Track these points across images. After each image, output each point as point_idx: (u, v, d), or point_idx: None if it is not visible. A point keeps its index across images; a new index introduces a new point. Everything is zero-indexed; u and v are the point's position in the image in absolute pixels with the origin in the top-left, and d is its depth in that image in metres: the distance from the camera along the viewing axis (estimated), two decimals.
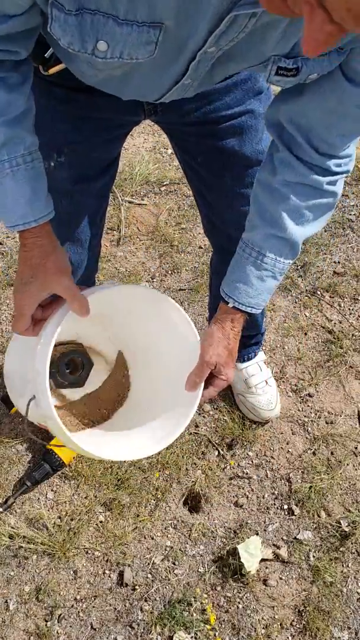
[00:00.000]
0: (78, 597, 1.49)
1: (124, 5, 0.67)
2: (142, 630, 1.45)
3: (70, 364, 1.15)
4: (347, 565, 1.56)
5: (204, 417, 1.79)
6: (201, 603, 1.50)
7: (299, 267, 2.16)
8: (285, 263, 1.02)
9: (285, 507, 1.65)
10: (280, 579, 1.54)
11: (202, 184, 1.31)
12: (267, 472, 1.71)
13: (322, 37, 0.55)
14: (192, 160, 1.26)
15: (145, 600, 1.49)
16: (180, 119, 1.14)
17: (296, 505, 1.65)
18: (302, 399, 1.86)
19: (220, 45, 0.75)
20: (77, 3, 0.67)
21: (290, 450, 1.75)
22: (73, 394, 1.17)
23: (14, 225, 0.91)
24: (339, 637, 1.47)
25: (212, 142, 1.18)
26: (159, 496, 1.64)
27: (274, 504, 1.66)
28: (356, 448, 1.76)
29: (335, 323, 2.03)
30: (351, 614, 1.50)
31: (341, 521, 1.62)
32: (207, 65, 0.81)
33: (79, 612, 1.48)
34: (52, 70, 0.96)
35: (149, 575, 1.53)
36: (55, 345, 1.08)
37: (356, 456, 1.75)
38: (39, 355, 0.94)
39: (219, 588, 1.52)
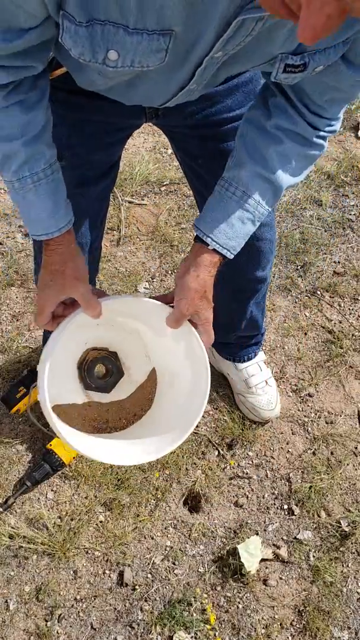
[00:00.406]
0: (78, 597, 1.49)
1: (134, 15, 0.67)
2: (142, 630, 1.45)
3: (100, 369, 1.19)
4: (347, 565, 1.56)
5: (204, 417, 1.79)
6: (201, 603, 1.50)
7: (299, 267, 2.16)
8: (265, 208, 1.00)
9: (285, 507, 1.66)
10: (280, 579, 1.55)
11: (202, 185, 1.31)
12: (267, 472, 1.71)
13: (320, 21, 0.53)
14: (192, 161, 1.26)
15: (145, 600, 1.49)
16: (182, 122, 1.14)
17: (296, 505, 1.65)
18: (302, 399, 1.86)
19: (227, 50, 0.75)
20: (87, 14, 0.68)
21: (290, 450, 1.76)
22: (101, 397, 1.20)
23: (38, 235, 0.97)
24: (339, 637, 1.47)
25: (214, 144, 1.18)
26: (159, 496, 1.64)
27: (274, 504, 1.66)
28: (356, 448, 1.76)
29: (335, 323, 2.03)
30: (351, 613, 1.50)
31: (341, 521, 1.62)
32: (212, 70, 0.82)
33: (79, 612, 1.48)
34: (55, 74, 0.96)
35: (149, 575, 1.53)
36: (89, 350, 1.15)
37: (356, 456, 1.75)
38: (44, 351, 0.99)
39: (219, 588, 1.52)
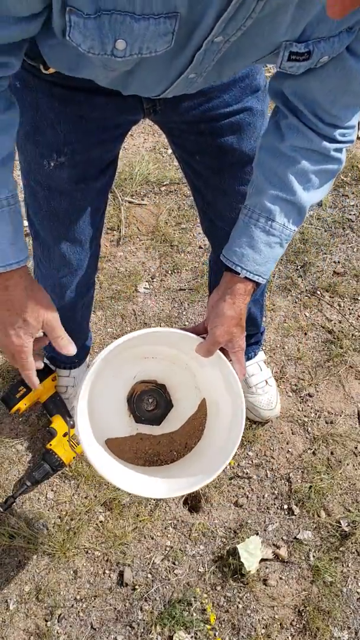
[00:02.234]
0: (78, 597, 1.49)
1: (140, 0, 0.67)
2: (142, 630, 1.45)
3: (150, 402, 1.19)
4: (347, 565, 1.56)
5: None
6: (201, 603, 1.50)
7: (299, 267, 2.16)
8: (292, 229, 1.00)
9: (285, 507, 1.66)
10: (280, 578, 1.54)
11: (200, 182, 1.31)
12: (267, 472, 1.71)
13: None
14: (190, 158, 1.26)
15: (145, 600, 1.49)
16: (179, 117, 1.14)
17: (296, 505, 1.65)
18: (302, 399, 1.86)
19: (227, 34, 0.75)
20: (95, 5, 0.68)
21: (290, 450, 1.75)
22: (152, 430, 1.20)
23: None
24: (338, 637, 1.47)
25: (211, 139, 1.18)
26: None
27: (274, 504, 1.66)
28: (356, 448, 1.76)
29: (335, 323, 2.03)
30: (351, 613, 1.50)
31: (341, 521, 1.62)
32: (212, 59, 0.81)
33: (79, 612, 1.48)
34: (53, 69, 0.96)
35: (149, 575, 1.53)
36: (138, 383, 1.15)
37: (356, 456, 1.75)
38: (80, 393, 0.99)
39: (219, 588, 1.52)
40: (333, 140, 0.95)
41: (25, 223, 1.33)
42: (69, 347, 0.98)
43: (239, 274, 1.00)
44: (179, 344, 1.09)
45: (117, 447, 1.12)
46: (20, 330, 0.93)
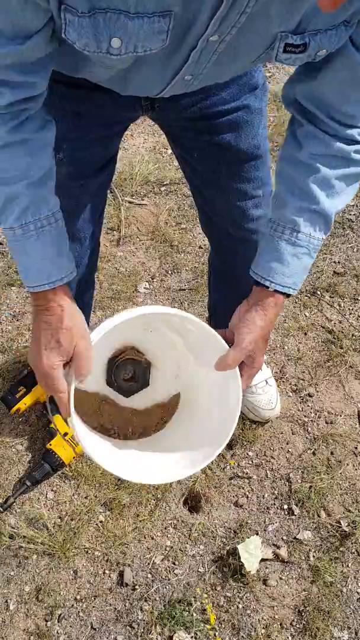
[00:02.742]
0: (78, 597, 1.49)
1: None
2: (142, 630, 1.45)
3: (130, 373, 1.15)
4: (347, 565, 1.56)
5: None
6: (201, 603, 1.50)
7: None
8: (319, 239, 0.97)
9: (285, 507, 1.66)
10: (280, 578, 1.54)
11: (198, 180, 1.31)
12: (267, 472, 1.71)
13: None
14: (188, 156, 1.26)
15: (145, 600, 1.49)
16: (177, 115, 1.14)
17: (296, 505, 1.65)
18: (302, 399, 1.86)
19: (222, 32, 0.75)
20: (89, 4, 0.68)
21: (290, 450, 1.76)
22: (116, 398, 1.16)
23: (37, 286, 0.90)
24: (338, 637, 1.47)
25: (209, 137, 1.18)
26: (158, 496, 1.64)
27: (274, 504, 1.66)
28: (356, 448, 1.76)
29: (335, 323, 2.03)
30: (351, 613, 1.50)
31: (341, 521, 1.62)
32: (208, 60, 0.81)
33: (79, 612, 1.48)
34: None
35: (149, 575, 1.53)
36: (129, 348, 1.10)
37: (356, 456, 1.75)
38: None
39: (219, 588, 1.52)
40: (352, 141, 0.93)
41: None
42: (85, 371, 0.94)
43: (269, 287, 0.98)
44: (193, 338, 1.06)
45: (78, 399, 1.08)
46: (52, 352, 0.91)
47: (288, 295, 1.00)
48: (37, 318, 0.92)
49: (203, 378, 1.09)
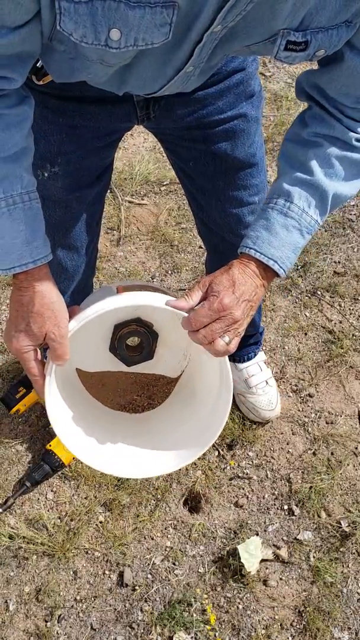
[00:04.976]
0: (78, 598, 1.49)
1: None
2: (142, 630, 1.45)
3: (134, 341, 1.10)
4: (348, 566, 1.56)
5: None
6: (201, 603, 1.49)
7: (299, 267, 2.16)
8: (312, 218, 0.91)
9: (286, 507, 1.65)
10: (281, 579, 1.54)
11: (194, 188, 1.30)
12: (267, 472, 1.71)
13: None
14: (184, 164, 1.26)
15: (145, 601, 1.49)
16: (173, 124, 1.13)
17: (296, 505, 1.65)
18: (302, 399, 1.85)
19: (226, 22, 0.72)
20: None
21: (290, 450, 1.75)
22: (119, 366, 1.12)
23: (9, 268, 0.86)
24: (339, 638, 1.47)
25: (205, 146, 1.17)
26: (158, 496, 1.63)
27: (274, 505, 1.66)
28: (356, 448, 1.76)
29: (335, 323, 2.02)
30: (351, 614, 1.50)
31: (341, 521, 1.62)
32: (210, 48, 0.79)
33: (79, 612, 1.47)
34: (46, 80, 0.95)
35: (149, 576, 1.53)
36: (140, 317, 1.04)
37: (356, 456, 1.75)
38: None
39: (219, 588, 1.52)
40: (355, 132, 0.92)
41: None
42: (62, 359, 0.91)
43: (252, 255, 0.90)
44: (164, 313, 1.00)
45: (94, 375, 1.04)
46: (21, 335, 0.90)
47: (274, 273, 0.91)
48: (13, 295, 0.90)
49: (203, 362, 1.07)
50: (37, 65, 0.92)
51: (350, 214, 2.35)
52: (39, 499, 1.62)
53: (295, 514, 1.63)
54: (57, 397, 1.00)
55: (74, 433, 1.05)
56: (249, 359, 1.78)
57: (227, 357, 0.94)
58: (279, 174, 0.94)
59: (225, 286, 0.86)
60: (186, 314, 0.88)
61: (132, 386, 1.16)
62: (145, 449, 1.09)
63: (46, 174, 1.13)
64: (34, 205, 0.88)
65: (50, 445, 1.63)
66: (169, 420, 1.14)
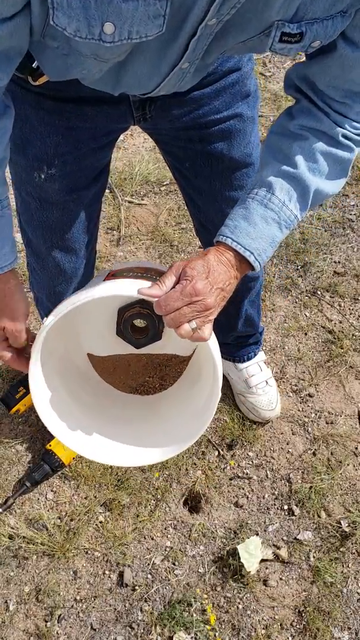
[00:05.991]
0: (78, 598, 1.49)
1: None
2: (142, 630, 1.45)
3: (140, 323, 1.08)
4: (348, 566, 1.56)
5: None
6: (201, 603, 1.49)
7: (299, 267, 2.16)
8: (292, 212, 0.90)
9: (286, 507, 1.65)
10: (281, 579, 1.54)
11: (191, 188, 1.30)
12: (267, 472, 1.71)
13: None
14: (180, 165, 1.25)
15: (145, 601, 1.49)
16: (169, 125, 1.13)
17: (296, 505, 1.65)
18: (302, 399, 1.85)
19: (221, 15, 0.72)
20: None
21: (290, 450, 1.75)
22: (127, 348, 1.11)
23: None
24: (339, 638, 1.47)
25: (201, 146, 1.17)
26: (158, 496, 1.63)
27: (274, 504, 1.66)
28: (356, 448, 1.76)
29: (335, 323, 2.02)
30: (351, 614, 1.50)
31: (341, 521, 1.62)
32: (205, 44, 0.79)
33: (78, 612, 1.47)
34: (41, 80, 0.94)
35: (149, 576, 1.53)
36: (137, 302, 1.02)
37: (356, 456, 1.75)
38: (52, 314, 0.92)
39: (219, 588, 1.52)
40: (342, 127, 0.91)
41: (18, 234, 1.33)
42: (15, 366, 0.99)
43: (229, 244, 0.88)
44: None
45: (108, 360, 1.04)
46: None
47: (249, 265, 0.89)
48: None
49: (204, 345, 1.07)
50: (33, 65, 0.91)
51: (350, 214, 2.35)
52: (39, 499, 1.62)
53: (295, 514, 1.63)
54: (43, 385, 1.01)
55: (68, 426, 1.06)
56: (248, 358, 1.78)
57: (215, 342, 0.94)
58: (262, 165, 0.93)
59: (199, 271, 0.84)
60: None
61: (144, 368, 1.15)
62: (149, 435, 1.09)
63: (43, 176, 1.12)
64: (5, 213, 0.91)
65: (50, 445, 1.63)
66: (176, 402, 1.13)
